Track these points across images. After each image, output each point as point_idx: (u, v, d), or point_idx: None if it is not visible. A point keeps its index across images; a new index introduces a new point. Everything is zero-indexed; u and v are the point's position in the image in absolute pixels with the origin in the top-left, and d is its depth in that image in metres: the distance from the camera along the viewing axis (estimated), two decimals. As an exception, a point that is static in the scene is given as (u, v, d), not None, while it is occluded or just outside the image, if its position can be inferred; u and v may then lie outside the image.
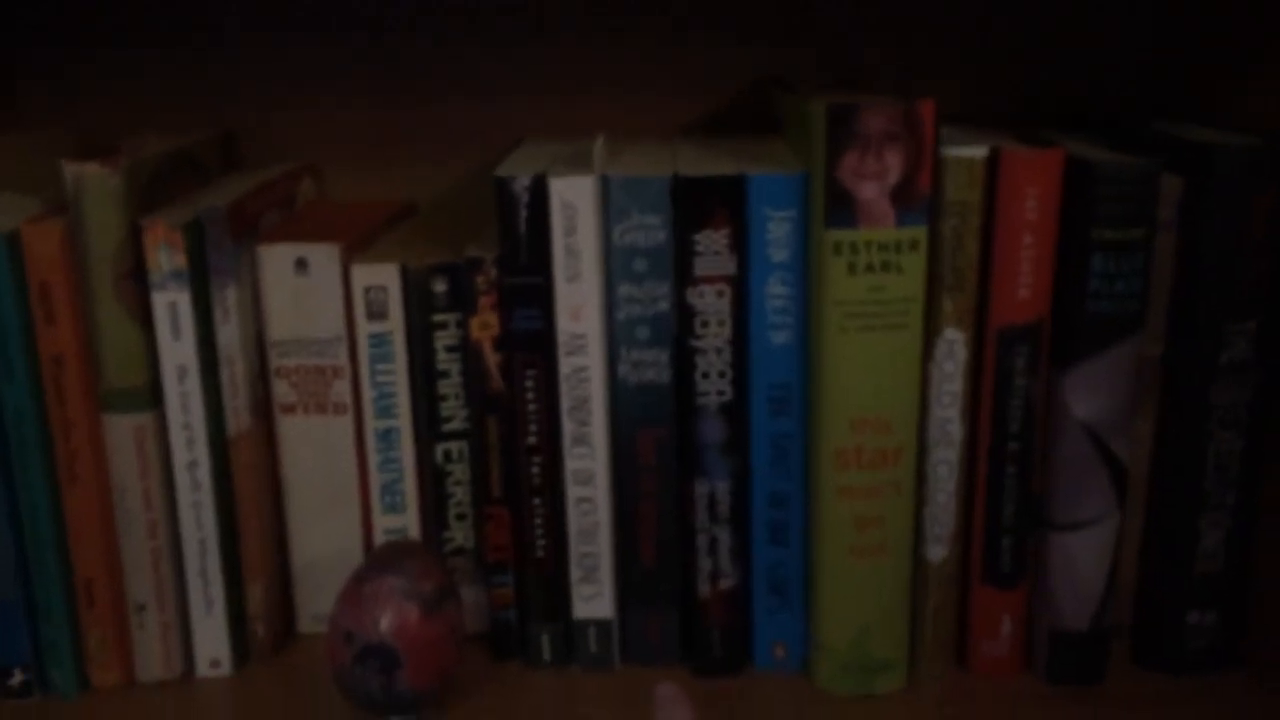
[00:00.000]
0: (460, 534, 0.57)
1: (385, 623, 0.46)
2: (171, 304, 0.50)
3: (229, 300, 0.52)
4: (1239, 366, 0.50)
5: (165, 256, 0.49)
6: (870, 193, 0.47)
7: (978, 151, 0.48)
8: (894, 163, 0.46)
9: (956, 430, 0.51)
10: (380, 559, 0.48)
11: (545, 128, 0.65)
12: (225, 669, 0.56)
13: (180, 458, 0.52)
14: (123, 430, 0.51)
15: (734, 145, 0.57)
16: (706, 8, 0.63)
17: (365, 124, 0.65)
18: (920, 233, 0.47)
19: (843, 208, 0.47)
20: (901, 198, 0.47)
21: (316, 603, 0.58)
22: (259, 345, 0.55)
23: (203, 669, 0.56)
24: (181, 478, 0.53)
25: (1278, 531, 0.51)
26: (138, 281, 0.50)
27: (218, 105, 0.65)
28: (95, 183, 0.49)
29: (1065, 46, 0.63)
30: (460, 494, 0.56)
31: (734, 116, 0.65)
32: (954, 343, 0.50)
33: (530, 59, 0.64)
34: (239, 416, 0.53)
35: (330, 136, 0.66)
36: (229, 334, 0.52)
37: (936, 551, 0.53)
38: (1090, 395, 0.50)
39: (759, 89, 0.64)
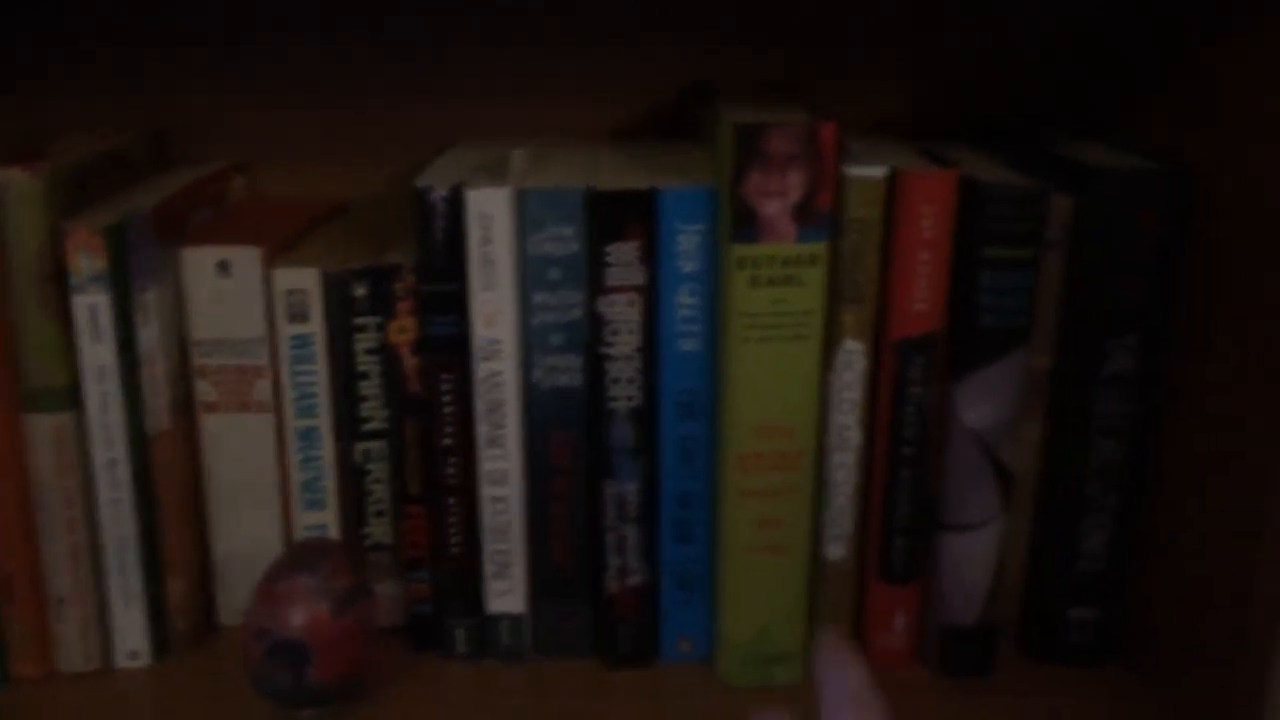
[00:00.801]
0: (379, 530, 0.58)
1: (296, 620, 0.48)
2: (92, 306, 0.51)
3: (150, 302, 0.53)
4: (1121, 379, 0.53)
5: (86, 261, 0.50)
6: (773, 209, 0.49)
7: (877, 171, 0.50)
8: (796, 182, 0.48)
9: (855, 436, 0.54)
10: (293, 558, 0.50)
11: (481, 129, 0.66)
12: (144, 660, 0.57)
13: (100, 456, 0.53)
14: (43, 429, 0.52)
15: (657, 154, 0.59)
16: (642, 12, 0.64)
17: (300, 122, 0.66)
18: (820, 248, 0.50)
19: (746, 223, 0.49)
20: (803, 215, 0.49)
21: (238, 596, 0.60)
22: (181, 345, 0.56)
23: (122, 661, 0.57)
24: (101, 476, 0.54)
25: (1155, 534, 0.54)
26: (59, 285, 0.51)
27: (151, 103, 0.65)
28: (17, 187, 0.49)
29: (984, 61, 0.65)
30: (380, 492, 0.57)
31: (666, 120, 0.66)
32: (853, 353, 0.53)
33: (467, 60, 0.65)
34: (159, 415, 0.54)
35: (265, 134, 0.66)
36: (150, 335, 0.53)
37: (835, 550, 0.56)
38: (979, 404, 0.52)
39: (690, 94, 0.66)
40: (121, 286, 0.52)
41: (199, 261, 0.54)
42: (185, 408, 0.56)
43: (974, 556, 0.55)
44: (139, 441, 0.54)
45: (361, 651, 0.51)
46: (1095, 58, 0.62)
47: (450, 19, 0.64)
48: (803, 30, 0.65)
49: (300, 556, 0.50)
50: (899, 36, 0.65)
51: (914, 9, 0.64)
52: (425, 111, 0.66)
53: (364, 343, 0.55)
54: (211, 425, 0.57)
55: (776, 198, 0.49)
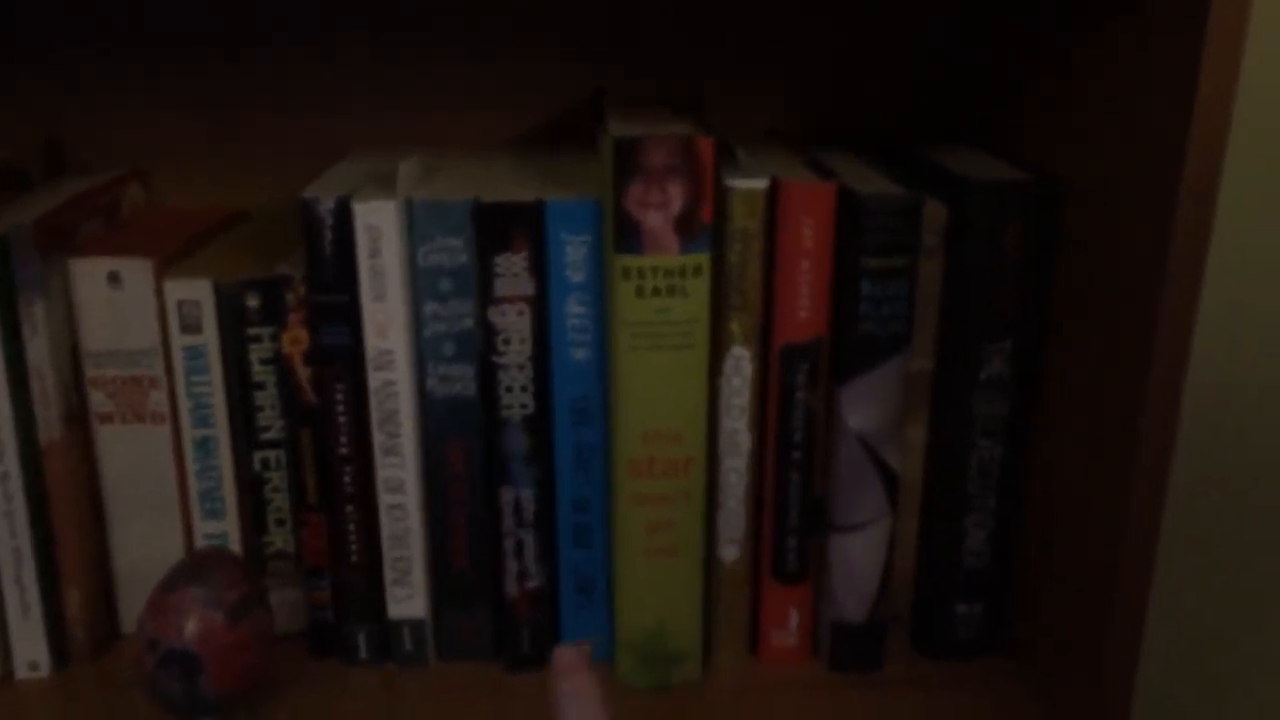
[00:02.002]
0: (280, 538, 0.58)
1: (187, 630, 0.48)
2: (-24, 320, 0.51)
3: (37, 315, 0.52)
4: (997, 382, 0.55)
5: (-32, 274, 0.50)
6: (655, 221, 0.50)
7: (759, 183, 0.51)
8: (676, 194, 0.49)
9: (745, 440, 0.55)
10: (184, 568, 0.50)
11: (380, 138, 0.67)
12: (44, 671, 0.57)
13: (-9, 469, 0.53)
14: (-70, 443, 0.52)
15: (551, 164, 0.60)
16: (538, 23, 0.65)
17: (198, 131, 0.66)
18: (703, 259, 0.51)
19: (630, 235, 0.50)
20: (684, 226, 0.50)
21: (139, 606, 0.60)
22: (73, 356, 0.56)
23: (21, 671, 0.57)
24: (-7, 488, 0.53)
25: (1035, 531, 0.56)
26: (-58, 296, 0.51)
27: (47, 114, 0.65)
28: (-105, 200, 0.49)
29: (868, 69, 0.67)
30: (279, 500, 0.58)
31: (566, 127, 0.67)
32: (741, 359, 0.54)
33: (370, 69, 0.65)
34: (50, 427, 0.54)
35: (162, 143, 0.66)
36: (38, 347, 0.53)
37: (729, 552, 0.57)
38: (862, 408, 0.54)
39: (585, 103, 0.66)
40: (6, 299, 0.52)
41: (89, 273, 0.54)
42: (79, 419, 0.56)
43: (863, 555, 0.57)
44: (30, 453, 0.54)
45: (256, 661, 0.51)
46: (973, 66, 0.64)
47: (349, 29, 0.65)
48: (694, 39, 0.66)
49: (191, 567, 0.50)
50: (787, 46, 0.66)
51: (801, 19, 0.66)
52: (324, 120, 0.66)
53: (258, 353, 0.55)
54: (107, 436, 0.57)
55: (658, 210, 0.50)
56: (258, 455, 0.57)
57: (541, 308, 0.53)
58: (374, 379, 0.53)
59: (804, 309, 0.53)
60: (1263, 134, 0.71)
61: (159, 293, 0.55)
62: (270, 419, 0.56)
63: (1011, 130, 0.59)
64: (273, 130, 0.66)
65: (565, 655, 0.45)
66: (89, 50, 0.64)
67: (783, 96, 0.67)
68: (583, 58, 0.66)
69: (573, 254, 0.52)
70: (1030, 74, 0.57)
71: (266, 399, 0.56)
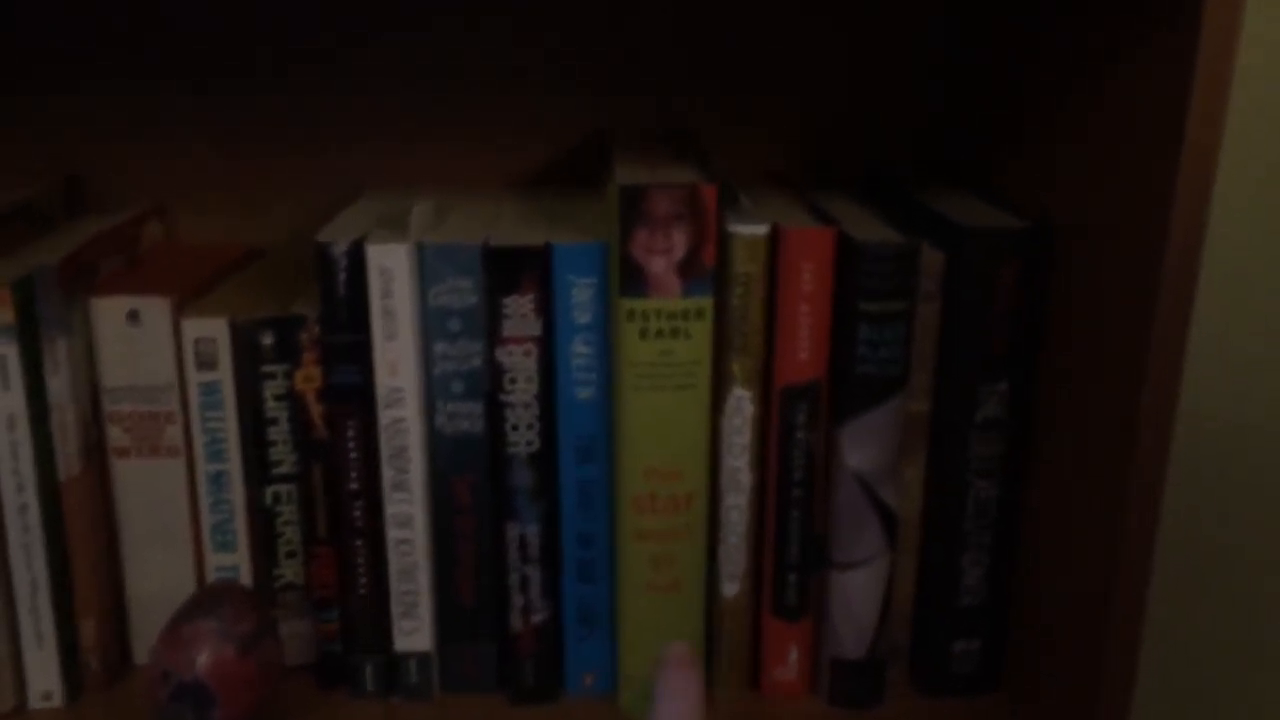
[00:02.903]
0: (290, 571, 0.60)
1: (200, 662, 0.50)
2: (1, 358, 0.52)
3: (59, 352, 0.54)
4: (993, 423, 0.56)
5: (-7, 313, 0.52)
6: (659, 266, 0.51)
7: (760, 229, 0.53)
8: (680, 240, 0.51)
9: (746, 478, 0.56)
10: (197, 601, 0.51)
11: (394, 175, 0.68)
12: (57, 701, 0.58)
13: (10, 501, 0.54)
14: (-48, 476, 0.53)
15: (559, 205, 0.62)
16: (547, 64, 0.67)
17: (216, 168, 0.68)
18: (706, 303, 0.52)
19: (634, 279, 0.51)
20: (687, 271, 0.51)
21: (152, 636, 0.61)
22: (92, 392, 0.57)
23: (35, 701, 0.58)
24: (12, 520, 0.55)
25: (1032, 569, 0.57)
26: (-32, 334, 0.52)
27: (68, 150, 0.67)
28: (-76, 240, 0.51)
29: (868, 113, 0.68)
30: (290, 533, 0.59)
31: (573, 166, 0.69)
32: (742, 399, 0.55)
33: (385, 107, 0.67)
34: (69, 461, 0.56)
35: (181, 180, 0.68)
36: (59, 384, 0.54)
37: (730, 587, 0.58)
38: (860, 448, 0.55)
39: (593, 141, 0.68)
40: (30, 338, 0.53)
41: (109, 311, 0.56)
42: (97, 453, 0.58)
43: (861, 592, 0.58)
44: (49, 487, 0.55)
45: (266, 692, 0.52)
46: (971, 109, 0.65)
47: (365, 67, 0.66)
48: (699, 81, 0.67)
49: (203, 600, 0.51)
50: (787, 86, 0.68)
51: (801, 61, 0.67)
52: (340, 157, 0.68)
53: (272, 389, 0.57)
54: (123, 470, 0.58)
55: (661, 255, 0.51)
56: (270, 489, 0.58)
57: (548, 348, 0.54)
58: (384, 416, 0.55)
59: (804, 351, 0.54)
60: (1249, 180, 0.72)
61: (176, 330, 0.56)
62: (282, 454, 0.58)
63: (1008, 172, 0.60)
64: (289, 167, 0.68)
65: (675, 649, 0.46)
66: (109, 88, 0.66)
67: (783, 135, 0.68)
68: (588, 94, 0.67)
69: (578, 296, 0.54)
70: (1026, 118, 0.58)
71: (279, 434, 0.57)
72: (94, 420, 0.57)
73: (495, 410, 0.55)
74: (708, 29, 0.67)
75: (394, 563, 0.57)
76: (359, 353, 0.54)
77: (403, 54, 0.66)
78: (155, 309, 0.56)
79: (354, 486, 0.56)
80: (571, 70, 0.67)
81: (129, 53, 0.66)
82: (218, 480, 0.58)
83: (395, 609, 0.58)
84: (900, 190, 0.63)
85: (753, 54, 0.67)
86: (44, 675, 0.57)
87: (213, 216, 0.69)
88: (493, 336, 0.54)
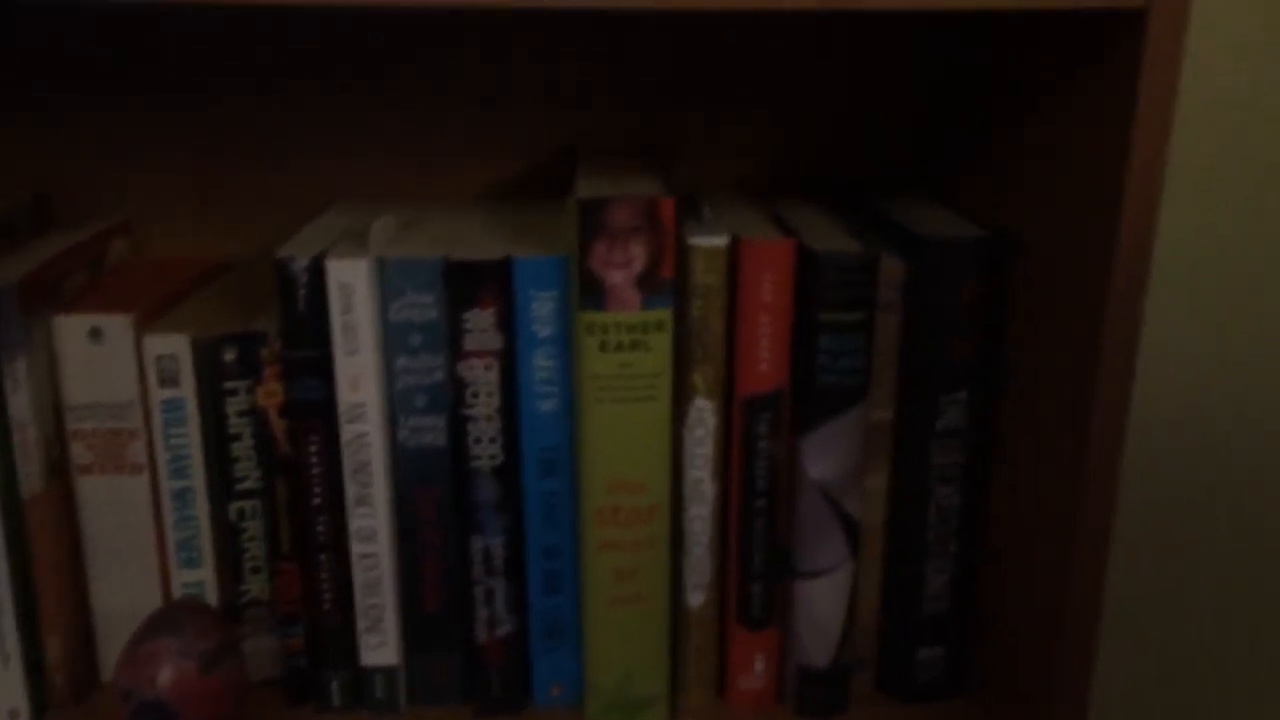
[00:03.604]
0: (256, 586, 0.60)
1: (160, 681, 0.50)
2: (-41, 376, 0.52)
3: (19, 371, 0.54)
4: (954, 432, 0.56)
5: (-49, 332, 0.52)
6: (618, 279, 0.51)
7: (719, 241, 0.53)
8: (638, 253, 0.51)
9: (709, 489, 0.57)
10: (158, 619, 0.51)
11: (367, 188, 0.68)
12: (24, 718, 0.58)
13: (-28, 520, 0.54)
14: (-88, 495, 0.53)
15: (524, 218, 0.62)
16: (521, 76, 0.67)
17: (183, 183, 0.68)
18: (665, 315, 0.52)
19: (593, 292, 0.52)
20: (646, 284, 0.52)
21: (118, 653, 0.61)
22: (55, 409, 0.57)
23: (0, 719, 0.58)
24: (-26, 539, 0.55)
25: (994, 576, 0.58)
26: (-74, 353, 0.52)
27: (36, 166, 0.67)
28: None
29: (834, 123, 0.69)
30: (255, 549, 0.59)
31: (545, 180, 0.69)
32: (704, 410, 0.55)
33: (353, 121, 0.67)
34: (32, 480, 0.56)
35: (148, 195, 0.68)
36: (20, 402, 0.54)
37: (695, 597, 0.58)
38: (823, 458, 0.55)
39: (564, 155, 0.68)
40: (-10, 357, 0.53)
41: (71, 329, 0.56)
42: (60, 470, 0.58)
43: (826, 601, 0.58)
44: (12, 505, 0.55)
45: (230, 710, 0.52)
46: (935, 122, 0.66)
47: (333, 82, 0.66)
48: (668, 92, 0.68)
49: (164, 618, 0.51)
50: (758, 99, 0.68)
51: (773, 75, 0.68)
52: (307, 172, 0.68)
53: (235, 406, 0.57)
54: (87, 487, 0.58)
55: (620, 268, 0.51)
56: (234, 505, 0.58)
57: (509, 362, 0.54)
58: (346, 431, 0.55)
59: (765, 362, 0.55)
60: (1206, 186, 0.73)
61: (138, 347, 0.56)
62: (246, 470, 0.58)
63: (973, 186, 0.61)
64: (259, 182, 0.68)
65: None
66: (76, 104, 0.66)
67: (754, 147, 0.69)
68: (560, 109, 0.67)
69: (539, 309, 0.54)
70: (988, 134, 0.59)
71: (243, 450, 0.57)
72: (57, 438, 0.57)
73: (458, 424, 0.55)
74: (682, 44, 0.67)
75: (359, 577, 0.57)
76: (320, 368, 0.54)
77: (375, 69, 0.66)
78: (117, 326, 0.56)
79: (317, 501, 0.56)
80: (542, 84, 0.67)
81: (99, 69, 0.66)
82: (182, 496, 0.58)
83: (361, 623, 0.58)
84: (867, 202, 0.63)
85: (727, 69, 0.67)
86: (10, 693, 0.57)
87: (183, 232, 0.69)
88: (454, 350, 0.54)
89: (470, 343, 0.54)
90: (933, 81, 0.67)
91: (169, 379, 0.56)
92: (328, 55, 0.66)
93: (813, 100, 0.68)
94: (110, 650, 0.61)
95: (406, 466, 0.56)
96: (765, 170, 0.69)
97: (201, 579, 0.59)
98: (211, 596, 0.60)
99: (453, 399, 0.55)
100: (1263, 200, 0.73)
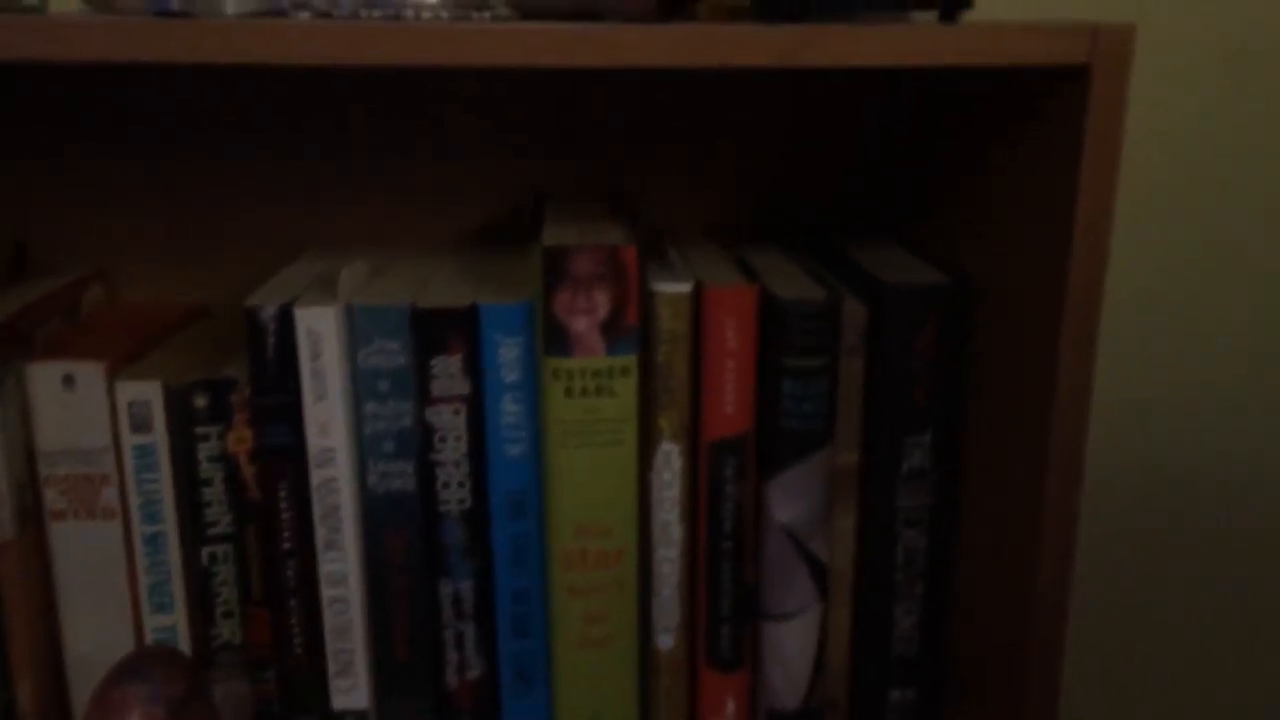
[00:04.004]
0: (228, 630, 0.60)
1: (127, 727, 0.50)
2: (-70, 424, 0.53)
3: (-9, 418, 0.55)
4: (919, 473, 0.57)
5: (-77, 380, 0.52)
6: (582, 326, 0.52)
7: (683, 288, 0.54)
8: (602, 300, 0.52)
9: (677, 532, 0.57)
10: (126, 665, 0.51)
11: (343, 233, 0.69)
12: (-7, 766, 0.58)
13: (-57, 567, 0.55)
14: (-117, 542, 0.54)
15: (493, 263, 0.63)
16: (492, 125, 0.68)
17: (159, 229, 0.69)
18: (630, 360, 0.53)
19: (559, 338, 0.52)
20: (611, 330, 0.52)
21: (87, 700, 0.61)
22: (28, 455, 0.58)
23: (-29, 766, 0.58)
24: (-55, 585, 0.55)
25: (964, 617, 0.58)
26: (-101, 401, 0.53)
27: (12, 214, 0.68)
28: None
29: (798, 170, 0.70)
30: (227, 593, 0.59)
31: (515, 227, 0.70)
32: (670, 454, 0.56)
33: (329, 167, 0.68)
34: (4, 526, 0.56)
35: (125, 242, 0.69)
36: (-8, 449, 0.55)
37: (665, 640, 0.59)
38: (789, 502, 0.56)
39: (533, 201, 0.69)
40: (-38, 405, 0.54)
41: (44, 376, 0.56)
42: (33, 516, 0.58)
43: (795, 643, 0.58)
44: (-17, 552, 0.56)
45: (196, 754, 0.52)
46: (898, 171, 0.67)
47: (309, 128, 0.68)
48: (633, 139, 0.69)
49: (133, 664, 0.52)
50: (724, 148, 0.69)
51: (739, 124, 0.69)
52: (282, 218, 0.69)
53: (206, 451, 0.57)
54: (60, 532, 0.58)
55: (585, 315, 0.52)
56: (205, 550, 0.59)
57: (477, 407, 0.55)
58: (316, 476, 0.55)
59: (730, 406, 0.55)
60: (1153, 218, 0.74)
61: (111, 393, 0.57)
62: (218, 514, 0.58)
63: (930, 227, 0.62)
64: (233, 229, 0.69)
65: None
66: (54, 153, 0.67)
67: (719, 192, 0.70)
68: (528, 157, 0.68)
69: (506, 355, 0.54)
70: (947, 181, 0.59)
71: (214, 495, 0.58)
72: (30, 484, 0.58)
73: (426, 469, 0.56)
74: (647, 92, 0.68)
75: (329, 621, 0.57)
76: (289, 414, 0.55)
77: (348, 118, 0.67)
78: (89, 373, 0.56)
79: (287, 546, 0.56)
80: (514, 134, 0.68)
81: (77, 119, 0.67)
82: (154, 541, 0.58)
83: (331, 667, 0.58)
84: (829, 245, 0.64)
85: (691, 115, 0.68)
86: (-20, 740, 0.57)
87: (159, 279, 0.69)
88: (422, 396, 0.55)
89: (438, 388, 0.55)
90: (892, 126, 0.68)
91: (141, 425, 0.57)
92: (301, 105, 0.67)
93: (776, 145, 0.69)
94: (83, 694, 0.61)
95: (376, 511, 0.56)
96: (731, 215, 0.70)
97: (173, 623, 0.59)
98: (183, 641, 0.60)
99: (421, 444, 0.55)
100: (1214, 234, 0.74)
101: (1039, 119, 0.47)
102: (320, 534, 0.56)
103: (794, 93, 0.68)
